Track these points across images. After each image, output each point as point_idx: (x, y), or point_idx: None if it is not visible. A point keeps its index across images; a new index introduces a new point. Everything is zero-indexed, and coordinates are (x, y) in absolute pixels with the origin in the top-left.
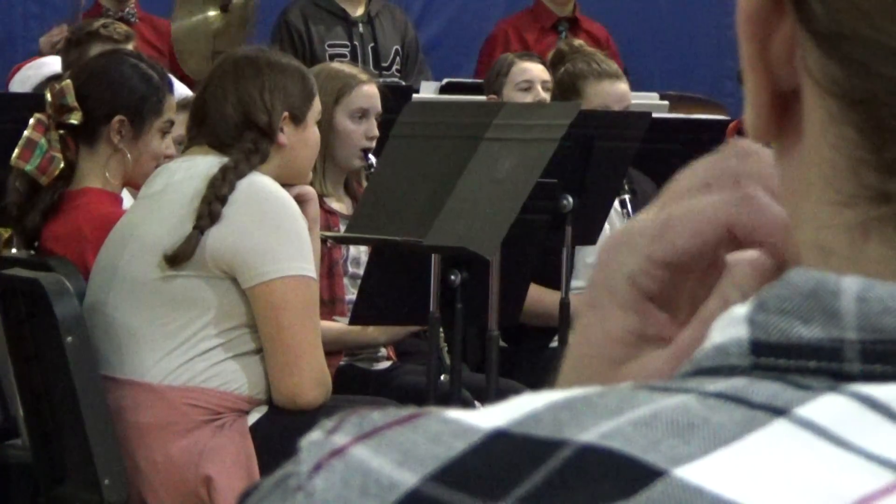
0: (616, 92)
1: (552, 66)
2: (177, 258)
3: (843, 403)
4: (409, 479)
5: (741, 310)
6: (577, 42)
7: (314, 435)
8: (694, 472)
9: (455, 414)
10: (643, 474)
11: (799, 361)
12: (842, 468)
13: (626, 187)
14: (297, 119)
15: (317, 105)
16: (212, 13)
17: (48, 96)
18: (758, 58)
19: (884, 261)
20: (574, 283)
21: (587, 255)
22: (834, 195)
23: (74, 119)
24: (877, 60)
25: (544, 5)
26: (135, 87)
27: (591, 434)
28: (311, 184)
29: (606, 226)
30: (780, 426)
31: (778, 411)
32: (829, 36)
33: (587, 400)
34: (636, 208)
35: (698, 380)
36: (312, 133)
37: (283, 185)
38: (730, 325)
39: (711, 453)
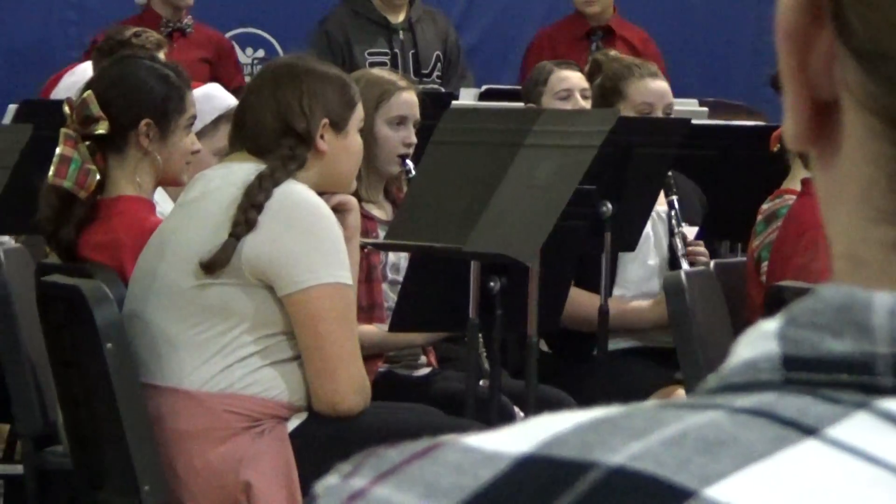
0: (657, 88)
1: (589, 77)
2: (212, 266)
3: (873, 423)
4: None
5: (770, 324)
6: (612, 52)
7: (330, 480)
8: (723, 491)
9: (474, 440)
10: (673, 496)
11: (830, 375)
12: (872, 485)
13: (674, 188)
14: (338, 126)
15: (359, 113)
16: None
17: (66, 110)
18: (797, 69)
19: None
20: (615, 292)
21: (628, 262)
22: (870, 210)
23: (102, 129)
24: None
25: (580, 14)
26: (155, 88)
27: (621, 455)
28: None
29: (649, 230)
30: (810, 444)
31: (808, 430)
32: (868, 54)
33: (613, 421)
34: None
35: (727, 396)
36: (354, 141)
37: (325, 193)
38: (759, 340)
39: (741, 471)
